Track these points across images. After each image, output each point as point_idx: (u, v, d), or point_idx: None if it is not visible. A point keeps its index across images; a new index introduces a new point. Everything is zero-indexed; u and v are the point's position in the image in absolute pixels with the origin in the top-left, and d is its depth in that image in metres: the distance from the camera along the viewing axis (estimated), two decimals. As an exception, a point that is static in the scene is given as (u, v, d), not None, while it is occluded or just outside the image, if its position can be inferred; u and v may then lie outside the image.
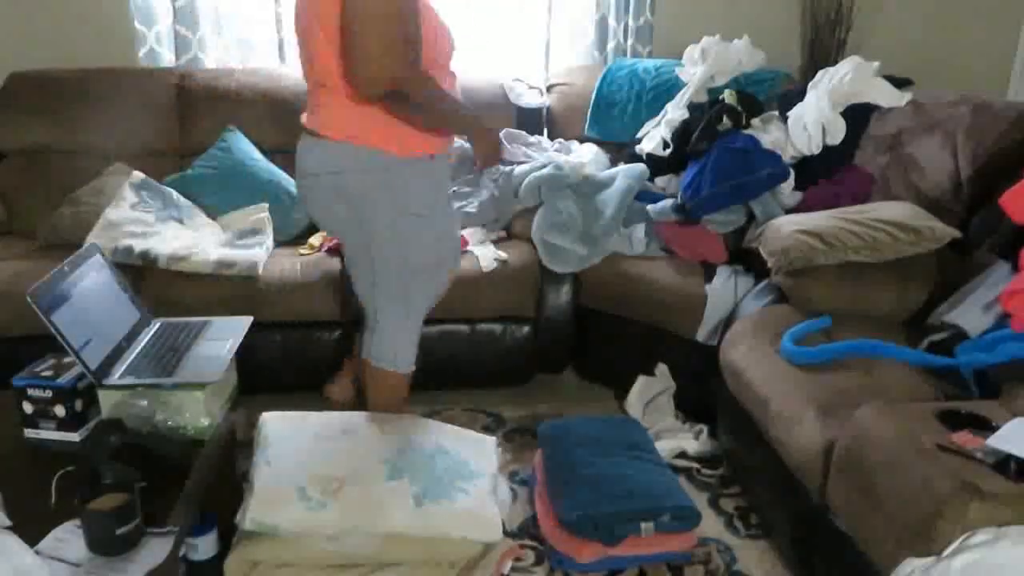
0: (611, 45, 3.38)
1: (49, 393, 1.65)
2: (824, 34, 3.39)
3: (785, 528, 1.93)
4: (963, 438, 1.46)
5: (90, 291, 1.77)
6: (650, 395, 2.61)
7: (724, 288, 2.49)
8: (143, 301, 2.00)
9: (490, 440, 2.14)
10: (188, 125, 3.04)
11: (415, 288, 2.05)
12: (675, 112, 2.94)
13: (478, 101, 3.15)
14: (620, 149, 3.08)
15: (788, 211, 2.57)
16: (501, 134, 2.99)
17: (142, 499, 1.39)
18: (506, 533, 1.95)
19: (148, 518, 1.40)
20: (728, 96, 2.82)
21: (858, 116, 2.66)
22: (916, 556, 1.35)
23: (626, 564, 1.96)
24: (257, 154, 2.97)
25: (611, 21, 3.35)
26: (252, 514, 1.73)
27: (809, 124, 2.65)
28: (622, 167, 2.90)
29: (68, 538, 1.37)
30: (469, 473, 1.93)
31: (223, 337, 1.91)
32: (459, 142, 2.90)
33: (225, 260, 2.52)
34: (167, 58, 3.18)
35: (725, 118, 2.74)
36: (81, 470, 1.53)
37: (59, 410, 1.65)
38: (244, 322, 2.00)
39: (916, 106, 2.58)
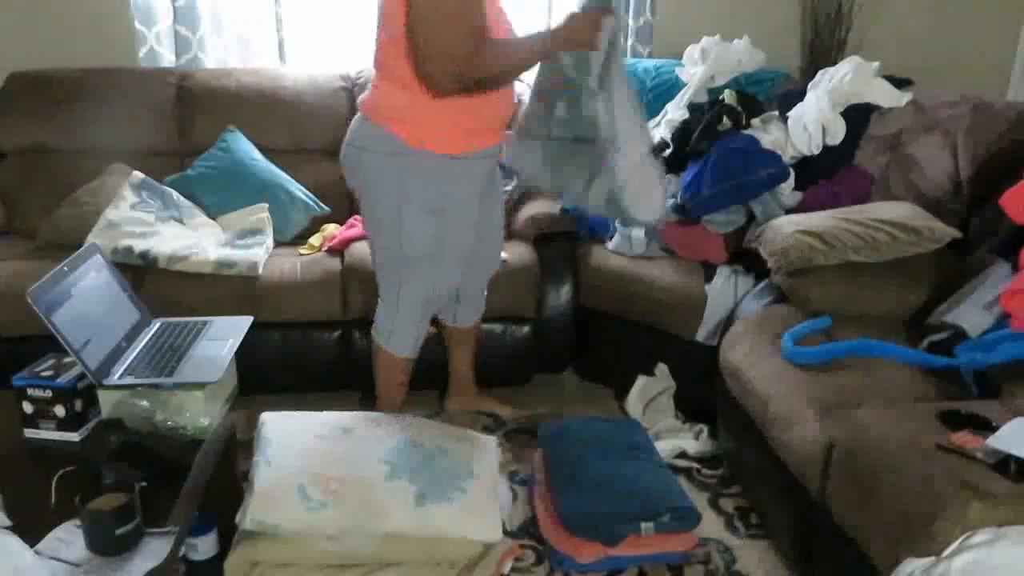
0: (611, 45, 3.38)
1: (49, 393, 1.65)
2: (824, 34, 3.39)
3: (785, 528, 1.93)
4: (963, 438, 1.46)
5: (90, 291, 1.77)
6: (650, 395, 2.61)
7: (724, 288, 2.49)
8: (143, 301, 2.00)
9: (490, 440, 2.14)
10: (188, 125, 3.04)
11: (406, 277, 2.12)
12: (675, 112, 2.94)
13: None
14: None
15: (788, 211, 2.57)
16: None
17: (142, 499, 1.39)
18: (506, 533, 1.95)
19: (148, 518, 1.40)
20: (728, 96, 2.82)
21: (858, 116, 2.66)
22: (916, 556, 1.35)
23: (626, 564, 1.96)
24: (257, 154, 2.97)
25: (611, 21, 3.35)
26: (252, 514, 1.73)
27: (809, 124, 2.65)
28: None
29: (68, 538, 1.36)
30: (469, 473, 1.93)
31: (223, 337, 1.91)
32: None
33: (225, 260, 2.52)
34: (167, 58, 3.18)
35: (725, 118, 2.74)
36: (81, 470, 1.53)
37: (59, 410, 1.65)
38: (244, 322, 2.00)
39: (916, 106, 2.58)
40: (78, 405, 1.67)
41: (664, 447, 2.35)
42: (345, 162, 2.09)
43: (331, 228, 2.87)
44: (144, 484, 1.43)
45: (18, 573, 1.23)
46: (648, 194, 2.02)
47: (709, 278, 2.54)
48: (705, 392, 2.40)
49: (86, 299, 1.74)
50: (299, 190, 2.93)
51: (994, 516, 1.31)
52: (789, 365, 1.94)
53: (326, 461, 1.87)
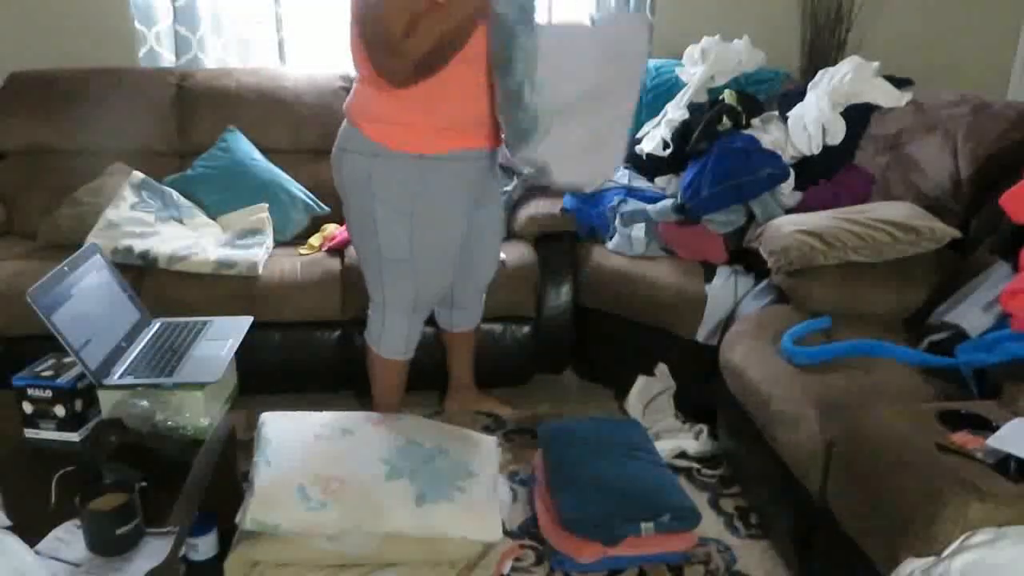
0: (611, 45, 3.38)
1: (49, 393, 1.65)
2: (824, 34, 3.39)
3: (785, 528, 1.93)
4: (963, 438, 1.46)
5: (90, 291, 1.77)
6: (650, 395, 2.61)
7: (724, 288, 2.49)
8: (143, 301, 2.00)
9: (490, 440, 2.14)
10: (188, 125, 3.04)
11: (389, 279, 2.13)
12: (675, 112, 2.94)
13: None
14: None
15: (788, 211, 2.57)
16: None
17: (142, 499, 1.39)
18: (506, 533, 1.96)
19: (148, 518, 1.40)
20: (728, 96, 2.82)
21: (858, 116, 2.66)
22: (916, 556, 1.35)
23: (626, 564, 1.96)
24: (257, 154, 2.97)
25: (611, 21, 3.35)
26: (252, 514, 1.73)
27: (809, 124, 2.65)
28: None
29: (68, 538, 1.36)
30: (469, 473, 1.93)
31: (223, 337, 1.91)
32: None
33: (225, 260, 2.52)
34: (167, 58, 3.18)
35: (725, 118, 2.74)
36: (81, 470, 1.53)
37: (59, 410, 1.65)
38: (244, 322, 2.00)
39: (916, 106, 2.58)
40: (78, 405, 1.67)
41: (664, 447, 2.35)
42: (332, 164, 2.12)
43: (331, 228, 2.87)
44: (144, 484, 1.43)
45: (18, 573, 1.23)
46: (581, 159, 1.94)
47: (709, 278, 2.54)
48: (705, 392, 2.40)
49: (86, 299, 1.74)
50: (299, 190, 2.93)
51: (994, 516, 1.31)
52: (789, 365, 1.94)
53: (326, 461, 1.87)
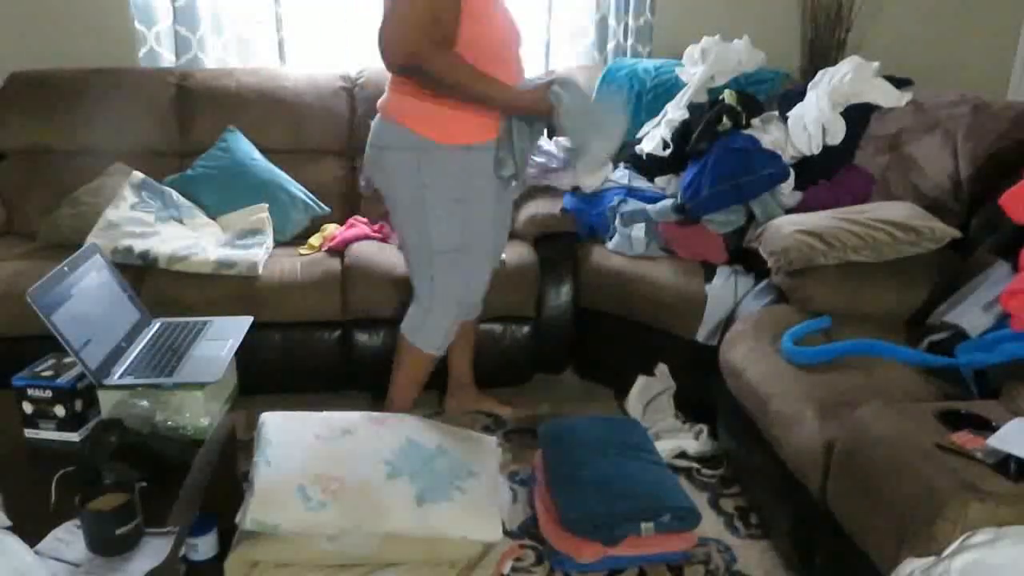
0: (611, 45, 3.38)
1: (49, 393, 1.65)
2: (824, 34, 3.39)
3: (785, 528, 1.93)
4: (963, 438, 1.46)
5: (90, 291, 1.77)
6: (650, 395, 2.61)
7: (724, 288, 2.49)
8: (143, 301, 2.00)
9: (490, 440, 2.14)
10: (188, 125, 3.04)
11: (439, 271, 2.17)
12: (675, 112, 2.94)
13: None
14: (620, 149, 3.07)
15: (788, 211, 2.57)
16: None
17: (142, 499, 1.39)
18: (506, 533, 1.96)
19: (148, 518, 1.40)
20: (728, 96, 2.82)
21: (858, 116, 2.65)
22: (916, 556, 1.35)
23: (626, 564, 1.96)
24: (257, 154, 2.97)
25: (611, 21, 3.35)
26: (252, 514, 1.73)
27: (809, 124, 2.65)
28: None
29: (68, 538, 1.37)
30: (469, 473, 1.93)
31: (223, 337, 1.92)
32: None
33: (225, 260, 2.52)
34: (167, 58, 3.18)
35: (725, 118, 2.74)
36: (81, 470, 1.53)
37: (59, 410, 1.66)
38: (244, 322, 2.01)
39: (916, 106, 2.58)
40: (78, 405, 1.67)
41: (664, 447, 2.35)
42: (369, 163, 2.16)
43: (331, 228, 2.87)
44: (144, 484, 1.43)
45: (18, 573, 1.23)
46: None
47: (709, 278, 2.54)
48: (705, 392, 2.40)
49: (86, 299, 1.74)
50: (299, 190, 2.93)
51: (994, 516, 1.31)
52: (789, 365, 1.94)
53: (326, 461, 1.87)
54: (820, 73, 2.77)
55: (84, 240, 2.49)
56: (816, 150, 2.65)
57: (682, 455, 2.39)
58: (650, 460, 2.12)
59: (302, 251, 2.74)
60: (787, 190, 2.63)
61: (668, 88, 3.09)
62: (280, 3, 3.20)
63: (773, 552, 2.03)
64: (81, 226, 2.63)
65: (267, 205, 2.80)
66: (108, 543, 1.34)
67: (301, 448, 1.90)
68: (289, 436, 1.94)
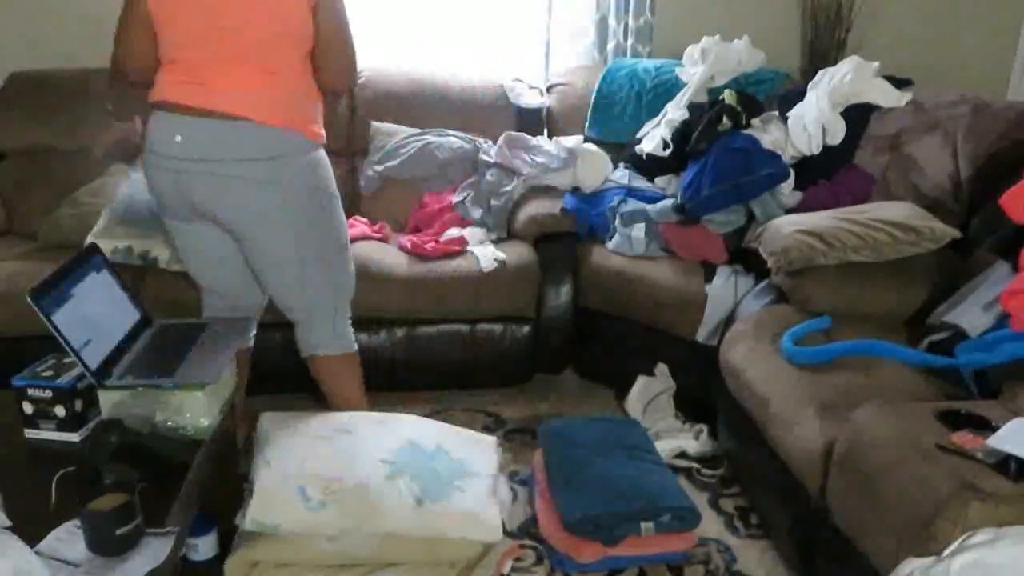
0: (611, 45, 3.38)
1: (49, 393, 1.65)
2: (824, 34, 3.39)
3: (785, 528, 1.93)
4: (963, 438, 1.46)
5: (90, 291, 1.76)
6: (650, 395, 2.61)
7: (724, 288, 2.49)
8: (143, 301, 2.00)
9: (490, 440, 2.14)
10: (188, 125, 3.03)
11: (347, 266, 2.16)
12: (675, 112, 2.94)
13: (478, 101, 3.15)
14: (620, 149, 3.08)
15: (788, 211, 2.57)
16: (500, 139, 2.99)
17: (142, 499, 1.39)
18: (506, 533, 1.95)
19: (148, 518, 1.39)
20: (728, 96, 2.82)
21: (858, 116, 2.66)
22: (916, 556, 1.35)
23: (626, 564, 1.96)
24: (257, 154, 2.96)
25: (611, 21, 3.35)
26: (252, 514, 1.73)
27: (809, 124, 2.65)
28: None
29: (68, 538, 1.36)
30: (469, 473, 1.93)
31: (223, 338, 1.91)
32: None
33: (225, 260, 2.51)
34: (167, 58, 3.17)
35: (725, 118, 2.74)
36: (81, 470, 1.53)
37: (59, 410, 1.65)
38: (244, 323, 2.00)
39: (916, 106, 2.58)
40: (78, 405, 1.67)
41: (664, 447, 2.35)
42: (261, 179, 1.98)
43: (331, 228, 2.86)
44: (144, 484, 1.43)
45: (18, 573, 1.23)
46: None
47: (709, 278, 2.54)
48: (705, 392, 2.40)
49: (86, 299, 1.73)
50: (299, 190, 2.92)
51: (994, 516, 1.31)
52: (789, 365, 1.94)
53: (326, 461, 1.87)
54: (820, 73, 2.77)
55: (84, 240, 2.49)
56: (816, 150, 2.65)
57: (682, 455, 2.39)
58: (650, 460, 2.12)
59: (302, 251, 2.73)
60: (787, 190, 2.64)
61: (668, 88, 3.09)
62: (280, 3, 3.19)
63: (773, 552, 2.03)
64: (81, 226, 2.63)
65: (267, 205, 2.80)
66: (108, 543, 1.34)
67: (301, 448, 1.90)
68: (289, 436, 1.94)
